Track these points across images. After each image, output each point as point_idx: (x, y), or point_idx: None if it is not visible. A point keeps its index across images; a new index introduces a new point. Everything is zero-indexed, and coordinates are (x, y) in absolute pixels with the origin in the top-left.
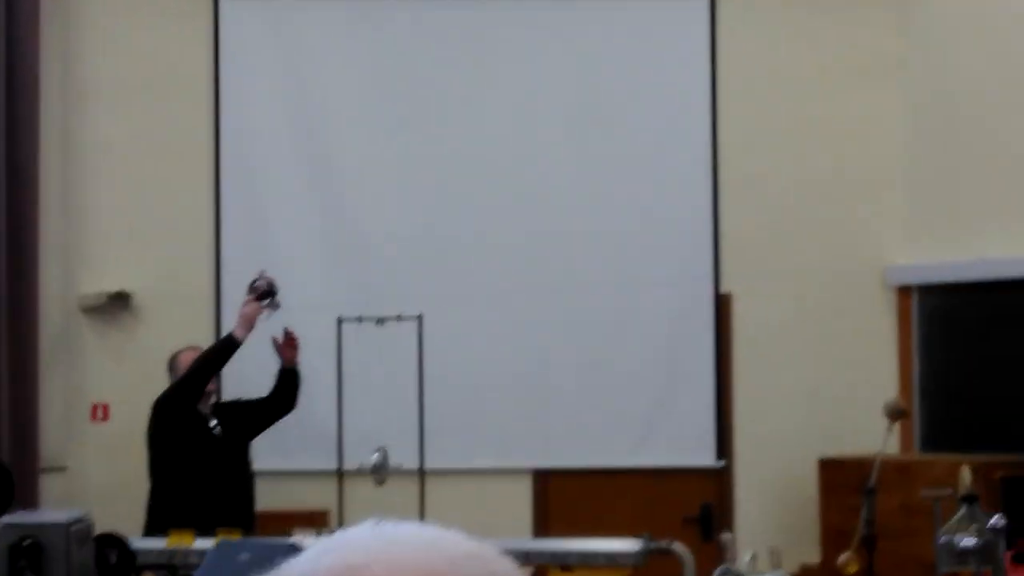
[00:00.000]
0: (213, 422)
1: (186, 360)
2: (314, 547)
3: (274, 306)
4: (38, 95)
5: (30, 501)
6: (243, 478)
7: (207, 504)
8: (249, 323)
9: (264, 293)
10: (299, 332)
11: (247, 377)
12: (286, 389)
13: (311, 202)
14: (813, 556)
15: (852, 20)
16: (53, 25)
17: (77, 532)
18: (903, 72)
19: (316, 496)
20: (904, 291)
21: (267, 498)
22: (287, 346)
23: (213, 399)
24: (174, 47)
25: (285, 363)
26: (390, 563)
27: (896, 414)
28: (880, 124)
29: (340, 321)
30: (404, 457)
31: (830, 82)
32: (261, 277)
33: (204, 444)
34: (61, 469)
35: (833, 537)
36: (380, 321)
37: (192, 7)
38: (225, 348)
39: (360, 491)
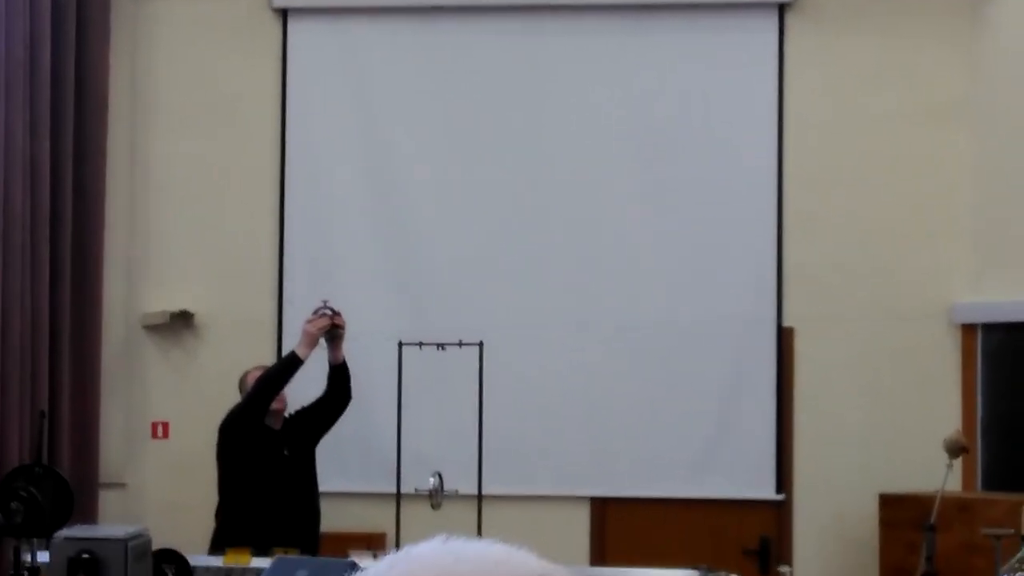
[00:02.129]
0: (285, 451)
1: (255, 379)
2: (383, 560)
3: (333, 336)
4: (106, 115)
5: (89, 516)
6: (310, 499)
7: (274, 523)
8: (312, 341)
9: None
10: (361, 356)
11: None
12: (340, 384)
13: (374, 225)
14: None
15: (921, 60)
16: (122, 46)
17: (135, 547)
18: (971, 111)
19: (374, 518)
20: (969, 329)
21: (325, 519)
22: (334, 327)
23: (282, 417)
24: (242, 69)
25: (332, 360)
26: None
27: (956, 450)
28: (947, 162)
29: (401, 345)
30: (462, 482)
31: (897, 120)
32: (325, 306)
33: (273, 464)
34: (121, 485)
35: (892, 574)
36: (441, 346)
37: (260, 29)
38: (289, 365)
39: (418, 514)
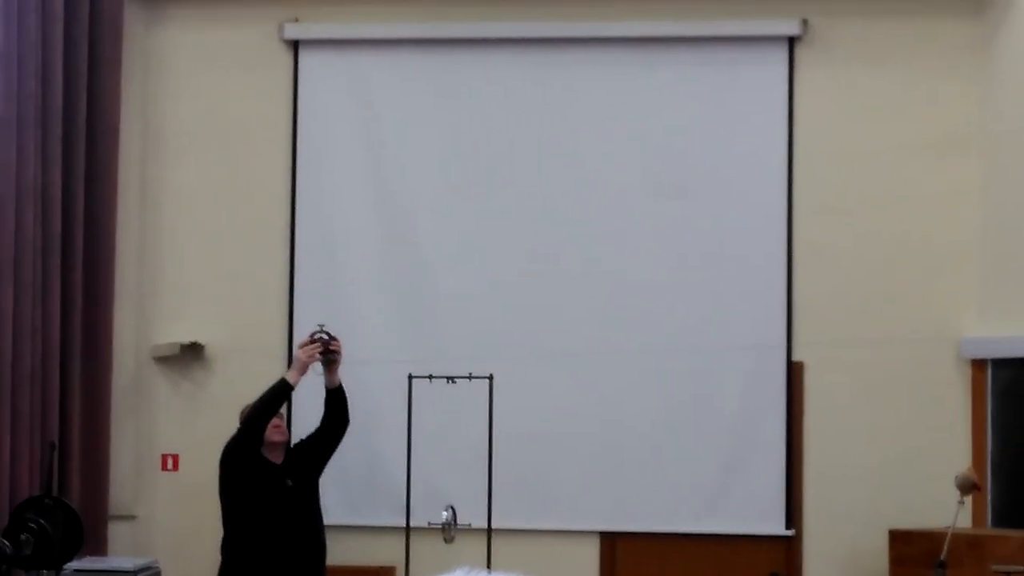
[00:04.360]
0: (289, 481)
1: None
2: None
3: (329, 360)
4: (117, 145)
5: (99, 548)
6: (315, 530)
7: (279, 555)
8: (303, 367)
9: (323, 348)
10: (370, 387)
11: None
12: (336, 408)
13: (385, 258)
14: None
15: (929, 93)
16: (134, 77)
17: None
18: (980, 144)
19: (384, 552)
20: (978, 364)
21: (335, 552)
22: (329, 352)
23: (284, 450)
24: (252, 100)
25: (328, 384)
26: None
27: (968, 487)
28: (957, 197)
29: (411, 378)
30: (472, 516)
31: (907, 154)
32: (321, 331)
33: (277, 496)
34: (131, 517)
35: None
36: (451, 379)
37: (271, 60)
38: (279, 391)
39: (427, 548)
